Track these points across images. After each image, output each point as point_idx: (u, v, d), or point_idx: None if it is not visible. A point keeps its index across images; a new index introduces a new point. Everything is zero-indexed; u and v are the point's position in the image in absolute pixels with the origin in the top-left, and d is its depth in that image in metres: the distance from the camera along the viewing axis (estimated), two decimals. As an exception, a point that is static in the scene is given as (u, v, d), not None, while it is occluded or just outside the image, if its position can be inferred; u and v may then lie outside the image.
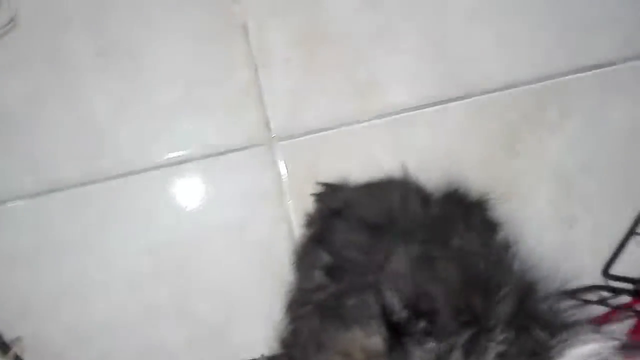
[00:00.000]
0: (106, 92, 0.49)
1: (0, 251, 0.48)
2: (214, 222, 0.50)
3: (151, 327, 0.48)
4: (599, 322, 0.49)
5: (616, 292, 0.52)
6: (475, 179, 0.50)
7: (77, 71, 0.49)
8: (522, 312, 0.24)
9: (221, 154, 0.50)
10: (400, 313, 0.24)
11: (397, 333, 0.24)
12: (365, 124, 0.51)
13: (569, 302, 0.30)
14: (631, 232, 0.55)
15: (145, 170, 0.49)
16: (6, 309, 0.48)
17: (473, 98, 0.53)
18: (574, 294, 0.53)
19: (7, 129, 0.48)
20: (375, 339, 0.24)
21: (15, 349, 0.45)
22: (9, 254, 0.48)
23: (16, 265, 0.48)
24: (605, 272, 0.54)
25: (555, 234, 0.54)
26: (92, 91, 0.49)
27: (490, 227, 0.43)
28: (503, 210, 0.51)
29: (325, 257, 0.36)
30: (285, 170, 0.50)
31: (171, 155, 0.49)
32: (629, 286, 0.52)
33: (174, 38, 0.49)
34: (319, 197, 0.49)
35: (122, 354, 0.48)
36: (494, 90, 0.53)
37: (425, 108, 0.52)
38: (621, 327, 0.49)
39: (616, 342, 0.22)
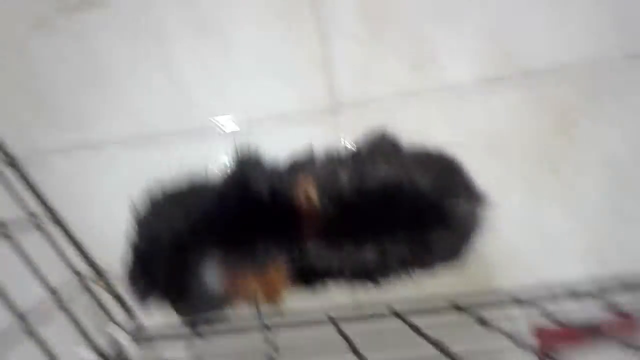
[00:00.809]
0: (192, 57, 0.56)
1: (101, 190, 0.56)
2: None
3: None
4: None
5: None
6: (523, 156, 0.54)
7: (168, 36, 0.56)
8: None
9: (287, 117, 0.55)
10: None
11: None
12: (422, 97, 0.55)
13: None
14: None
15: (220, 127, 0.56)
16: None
17: (526, 79, 0.54)
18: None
19: (109, 81, 0.56)
20: None
21: (105, 278, 0.53)
22: (110, 192, 0.56)
23: (113, 203, 0.56)
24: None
25: (604, 223, 0.54)
26: (180, 55, 0.56)
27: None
28: (549, 188, 0.54)
29: None
30: (347, 136, 0.55)
31: (243, 115, 0.56)
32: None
33: (251, 11, 0.56)
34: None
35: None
36: (548, 71, 0.53)
37: (479, 86, 0.54)
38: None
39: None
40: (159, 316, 0.54)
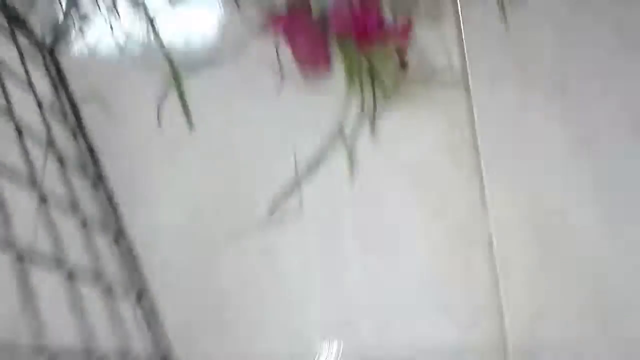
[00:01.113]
0: (363, 279, 0.58)
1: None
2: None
3: None
4: None
5: None
6: None
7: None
8: None
9: (455, 350, 0.53)
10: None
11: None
12: (602, 350, 0.52)
13: None
14: None
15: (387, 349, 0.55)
16: None
17: None
18: None
19: (281, 295, 0.57)
20: None
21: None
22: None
23: None
24: None
25: None
26: (352, 268, 0.58)
27: None
28: None
29: None
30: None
31: (408, 342, 0.54)
32: None
33: (427, 241, 0.58)
34: None
35: None
36: None
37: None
38: None
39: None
40: None
